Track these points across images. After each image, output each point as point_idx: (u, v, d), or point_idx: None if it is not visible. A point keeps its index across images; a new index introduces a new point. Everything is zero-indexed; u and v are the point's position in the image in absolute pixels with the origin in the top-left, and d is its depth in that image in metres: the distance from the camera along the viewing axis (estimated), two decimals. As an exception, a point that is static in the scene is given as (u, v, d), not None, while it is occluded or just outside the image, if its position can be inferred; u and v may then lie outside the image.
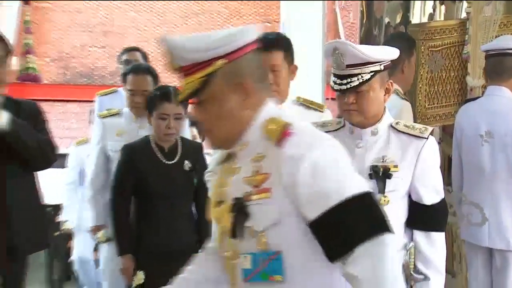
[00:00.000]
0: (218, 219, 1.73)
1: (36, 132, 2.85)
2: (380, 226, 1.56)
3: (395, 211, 2.18)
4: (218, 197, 1.76)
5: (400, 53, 3.55)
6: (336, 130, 2.35)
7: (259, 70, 1.69)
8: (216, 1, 9.24)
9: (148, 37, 8.18)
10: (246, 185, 1.62)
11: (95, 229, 3.72)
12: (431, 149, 2.25)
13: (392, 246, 1.58)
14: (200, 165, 3.10)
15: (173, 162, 3.16)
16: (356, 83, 2.16)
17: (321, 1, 6.53)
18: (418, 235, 2.25)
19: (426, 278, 2.24)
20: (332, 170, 1.57)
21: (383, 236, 1.53)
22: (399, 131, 2.26)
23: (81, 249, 4.77)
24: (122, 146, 3.42)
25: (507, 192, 3.19)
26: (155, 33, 8.46)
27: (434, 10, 4.46)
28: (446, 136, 4.32)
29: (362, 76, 2.15)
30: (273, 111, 1.68)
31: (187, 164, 3.12)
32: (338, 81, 2.21)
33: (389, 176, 2.19)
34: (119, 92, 4.18)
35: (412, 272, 2.25)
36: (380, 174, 2.20)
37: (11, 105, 2.80)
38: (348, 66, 2.16)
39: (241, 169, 1.68)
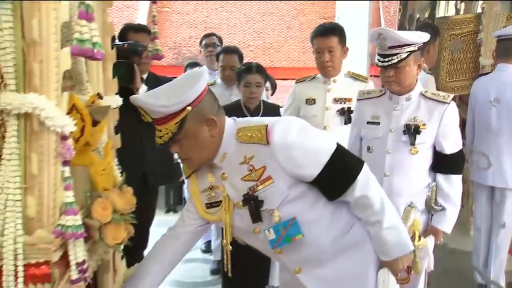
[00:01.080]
0: (222, 216, 1.68)
1: None
2: (358, 161, 1.64)
3: (423, 159, 2.27)
4: (211, 199, 1.71)
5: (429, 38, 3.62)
6: (378, 96, 2.39)
7: (214, 103, 1.64)
8: (285, 2, 9.25)
9: (236, 30, 8.36)
10: (247, 182, 1.61)
11: None
12: (452, 112, 2.26)
13: (368, 170, 1.62)
14: None
15: None
16: (396, 60, 2.18)
17: (368, 1, 6.49)
18: (440, 177, 2.28)
19: (443, 209, 2.28)
20: (311, 137, 1.59)
21: (363, 167, 1.60)
22: (427, 97, 2.28)
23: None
24: None
25: (508, 144, 3.17)
26: (241, 27, 8.61)
27: (455, 7, 4.43)
28: (462, 104, 4.26)
29: (400, 55, 2.17)
30: (233, 125, 1.66)
31: None
32: (382, 59, 2.23)
33: (418, 132, 2.23)
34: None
35: (433, 205, 2.29)
36: (412, 131, 2.23)
37: (153, 80, 2.79)
38: (390, 47, 2.17)
39: (228, 175, 1.64)
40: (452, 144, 2.27)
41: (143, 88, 2.66)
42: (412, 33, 2.43)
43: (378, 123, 2.35)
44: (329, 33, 2.62)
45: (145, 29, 2.85)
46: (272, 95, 3.91)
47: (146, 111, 1.55)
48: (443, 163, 2.29)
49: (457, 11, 4.39)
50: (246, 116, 3.10)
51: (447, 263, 3.22)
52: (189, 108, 1.53)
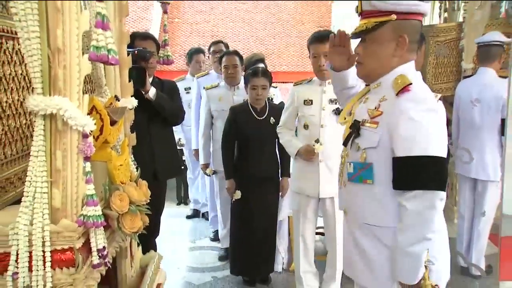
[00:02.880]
0: (345, 126, 1.70)
1: (172, 101, 2.84)
2: (440, 184, 1.44)
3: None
4: (347, 110, 1.73)
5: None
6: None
7: (416, 34, 1.55)
8: (285, 12, 9.24)
9: (241, 38, 8.36)
10: (366, 113, 1.58)
11: (204, 167, 3.69)
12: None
13: (441, 202, 1.44)
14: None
15: (262, 118, 3.10)
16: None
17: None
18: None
19: None
20: (425, 128, 1.44)
21: (438, 192, 1.43)
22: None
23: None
24: (222, 108, 3.45)
25: (490, 140, 3.16)
26: (245, 35, 8.61)
27: (439, 16, 4.41)
28: (446, 104, 4.37)
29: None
30: (407, 71, 1.54)
31: (272, 120, 3.08)
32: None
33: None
34: (211, 74, 4.16)
35: None
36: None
37: (158, 82, 2.83)
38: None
39: (368, 101, 1.62)
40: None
41: (152, 90, 2.67)
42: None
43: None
44: (325, 39, 2.49)
45: (151, 37, 2.87)
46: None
47: (363, 3, 1.53)
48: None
49: (445, 19, 4.36)
50: (254, 116, 3.10)
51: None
52: (394, 16, 1.48)
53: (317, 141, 2.65)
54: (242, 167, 3.14)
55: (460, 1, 4.11)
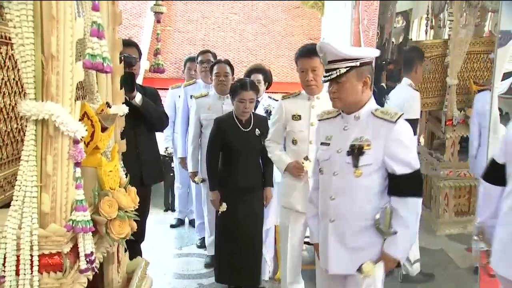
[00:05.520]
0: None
1: (156, 107, 2.87)
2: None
3: (369, 181, 1.91)
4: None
5: (415, 59, 3.55)
6: (335, 116, 2.06)
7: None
8: (276, 24, 9.32)
9: (231, 48, 8.41)
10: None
11: (192, 175, 3.68)
12: (399, 131, 1.87)
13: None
14: (266, 131, 2.96)
15: (248, 130, 3.07)
16: (334, 75, 1.89)
17: (349, 24, 6.52)
18: (393, 199, 1.89)
19: (394, 232, 1.88)
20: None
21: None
22: (376, 116, 1.91)
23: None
24: (211, 117, 3.39)
25: None
26: (236, 45, 8.66)
27: (426, 33, 4.49)
28: (431, 118, 4.38)
29: (339, 70, 1.87)
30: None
31: (257, 131, 3.05)
32: (325, 73, 1.94)
33: (362, 153, 1.89)
34: (198, 83, 4.14)
35: (381, 227, 1.90)
36: (356, 151, 1.89)
37: (140, 89, 2.84)
38: (330, 62, 1.90)
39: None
40: (401, 165, 1.87)
41: (138, 96, 2.70)
42: (354, 48, 2.13)
43: (328, 144, 2.02)
44: (312, 54, 2.43)
45: (134, 44, 2.91)
46: (267, 89, 3.87)
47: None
48: (395, 185, 1.90)
49: (433, 35, 4.44)
50: (239, 128, 3.08)
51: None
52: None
53: (306, 158, 2.61)
54: (227, 178, 3.11)
55: (446, 19, 4.19)
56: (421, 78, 3.69)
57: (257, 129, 3.08)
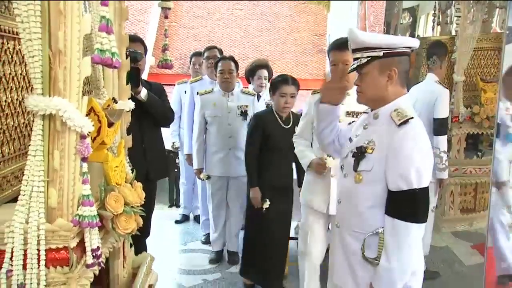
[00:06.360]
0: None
1: (162, 102, 2.88)
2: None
3: (368, 191, 1.68)
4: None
5: (439, 54, 3.49)
6: (365, 112, 1.89)
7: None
8: (281, 20, 9.30)
9: (237, 44, 8.42)
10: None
11: (197, 172, 3.67)
12: (401, 137, 1.60)
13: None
14: None
15: (288, 127, 3.03)
16: (355, 65, 1.71)
17: (355, 20, 6.50)
18: (386, 219, 1.63)
19: (374, 262, 1.66)
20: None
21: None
22: (390, 117, 1.66)
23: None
24: (216, 114, 3.44)
25: None
26: (241, 41, 8.65)
27: (433, 29, 4.46)
28: None
29: (360, 60, 1.68)
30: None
31: (296, 129, 2.88)
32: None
33: (362, 156, 1.69)
34: (204, 79, 4.14)
35: (365, 254, 1.68)
36: (359, 154, 1.71)
37: (146, 84, 2.86)
38: (353, 50, 1.72)
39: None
40: (398, 178, 1.59)
41: (143, 91, 2.70)
42: (378, 35, 1.77)
43: (351, 141, 1.85)
44: (344, 47, 2.24)
45: (139, 39, 2.91)
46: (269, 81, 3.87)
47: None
48: (388, 202, 1.63)
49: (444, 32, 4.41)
50: (280, 124, 3.02)
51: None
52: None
53: (329, 155, 2.48)
54: (266, 175, 3.04)
55: (453, 15, 4.16)
56: (444, 74, 3.65)
57: (296, 127, 2.96)
